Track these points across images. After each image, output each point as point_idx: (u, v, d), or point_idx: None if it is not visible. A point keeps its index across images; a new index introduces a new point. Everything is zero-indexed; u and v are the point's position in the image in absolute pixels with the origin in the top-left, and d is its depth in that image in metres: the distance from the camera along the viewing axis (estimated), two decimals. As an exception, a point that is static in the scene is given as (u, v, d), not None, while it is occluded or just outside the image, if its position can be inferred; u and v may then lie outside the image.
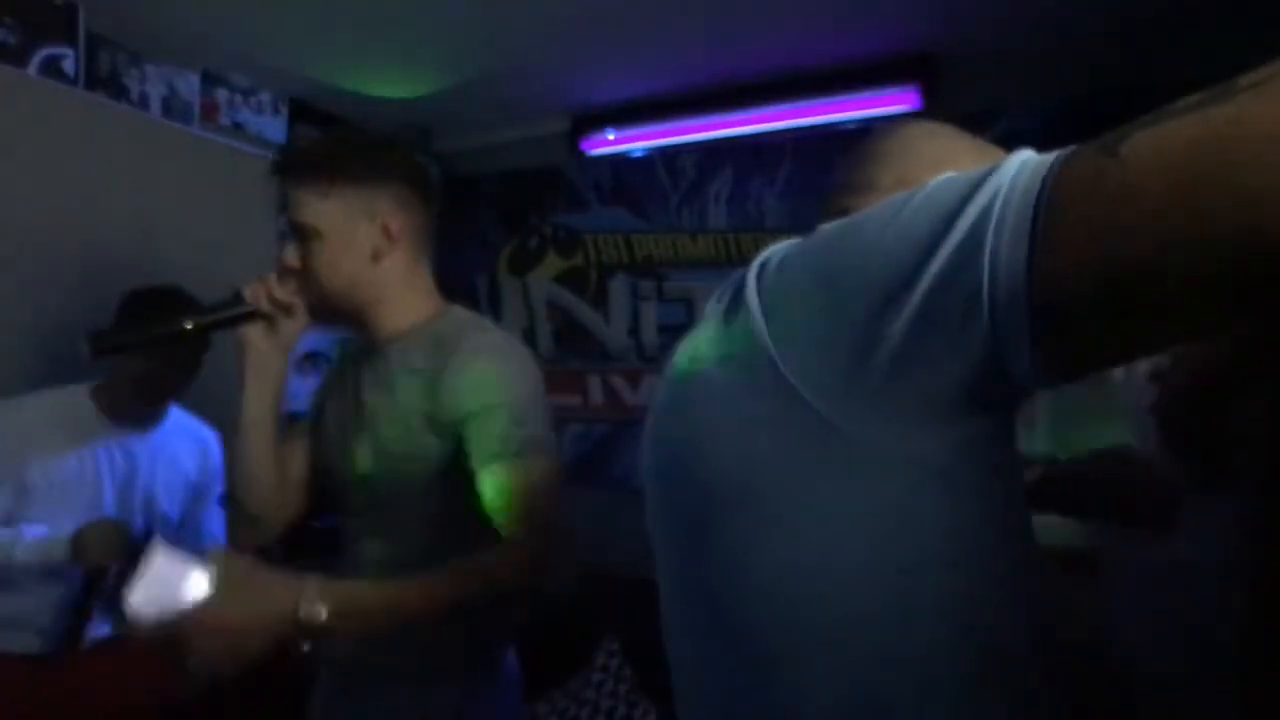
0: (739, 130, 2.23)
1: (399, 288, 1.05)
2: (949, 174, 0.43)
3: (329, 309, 1.04)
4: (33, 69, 1.76)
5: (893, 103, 2.00)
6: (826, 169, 2.18)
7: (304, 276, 1.01)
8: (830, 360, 0.44)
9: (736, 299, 0.52)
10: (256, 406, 1.05)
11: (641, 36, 1.91)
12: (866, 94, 2.02)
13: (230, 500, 1.07)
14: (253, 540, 1.08)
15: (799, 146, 2.20)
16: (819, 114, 2.11)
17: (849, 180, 0.67)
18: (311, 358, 2.40)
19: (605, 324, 2.51)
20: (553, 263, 2.59)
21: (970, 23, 1.80)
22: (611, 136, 2.38)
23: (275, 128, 2.34)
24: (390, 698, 1.02)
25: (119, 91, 1.96)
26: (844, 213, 0.65)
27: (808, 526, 0.47)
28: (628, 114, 2.33)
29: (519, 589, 0.92)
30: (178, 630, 0.74)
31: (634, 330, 2.46)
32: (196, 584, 0.76)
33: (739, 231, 2.30)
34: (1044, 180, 0.37)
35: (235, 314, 1.01)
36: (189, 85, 2.12)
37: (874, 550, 0.46)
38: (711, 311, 0.56)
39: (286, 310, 1.03)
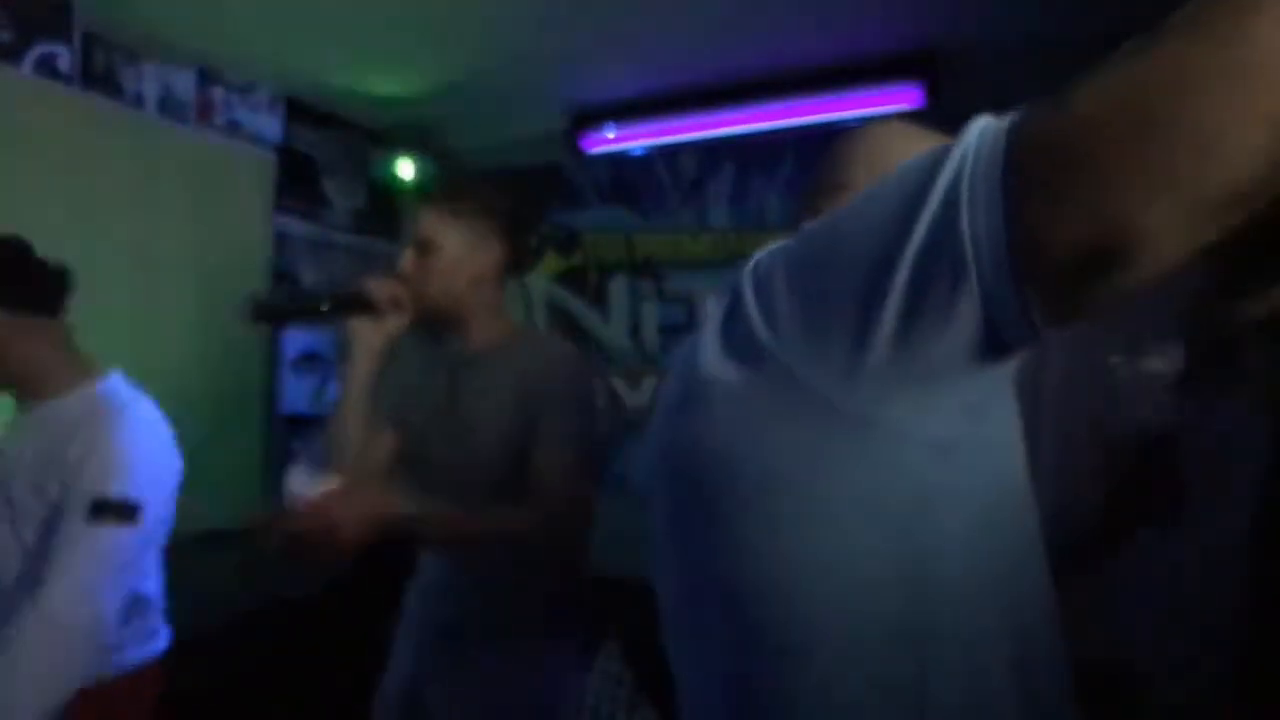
0: (740, 128, 2.21)
1: (490, 308, 1.29)
2: (915, 154, 0.44)
3: (431, 314, 1.25)
4: (27, 67, 1.75)
5: (895, 101, 1.98)
6: (828, 167, 2.17)
7: (417, 283, 1.22)
8: (829, 348, 0.45)
9: (735, 300, 0.53)
10: (359, 384, 1.23)
11: (641, 34, 1.89)
12: (869, 92, 2.01)
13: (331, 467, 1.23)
14: None
15: (801, 144, 2.18)
16: (821, 112, 2.09)
17: (825, 182, 0.69)
18: (309, 359, 2.39)
19: (605, 324, 2.49)
20: (552, 262, 2.58)
21: (973, 21, 1.79)
22: (611, 134, 2.36)
23: (271, 126, 2.33)
24: (477, 659, 1.25)
25: (114, 90, 1.94)
26: (821, 214, 0.66)
27: (822, 518, 0.47)
28: (627, 112, 2.31)
29: (541, 537, 1.17)
30: (330, 498, 1.01)
31: (634, 330, 2.44)
32: (326, 484, 1.05)
33: (740, 230, 2.28)
34: (1006, 143, 0.37)
35: (361, 302, 1.21)
36: (185, 84, 2.10)
37: (890, 535, 0.46)
38: (713, 313, 0.56)
39: (397, 308, 1.22)
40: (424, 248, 1.22)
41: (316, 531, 0.98)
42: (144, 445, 1.25)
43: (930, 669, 0.46)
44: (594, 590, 2.13)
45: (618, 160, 2.45)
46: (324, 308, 1.23)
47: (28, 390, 1.27)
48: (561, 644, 1.30)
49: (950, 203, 0.39)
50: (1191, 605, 0.99)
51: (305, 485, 1.04)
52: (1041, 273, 0.37)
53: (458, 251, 1.22)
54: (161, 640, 1.37)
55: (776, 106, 2.13)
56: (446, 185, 1.32)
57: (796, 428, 0.47)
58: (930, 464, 0.45)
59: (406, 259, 1.23)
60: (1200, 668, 0.97)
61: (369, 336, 1.22)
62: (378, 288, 1.21)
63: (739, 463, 0.50)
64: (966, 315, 0.39)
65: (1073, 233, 0.36)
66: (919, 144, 0.65)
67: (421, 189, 1.34)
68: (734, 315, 0.52)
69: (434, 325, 1.28)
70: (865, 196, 0.45)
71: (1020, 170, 0.37)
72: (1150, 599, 1.05)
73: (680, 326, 2.36)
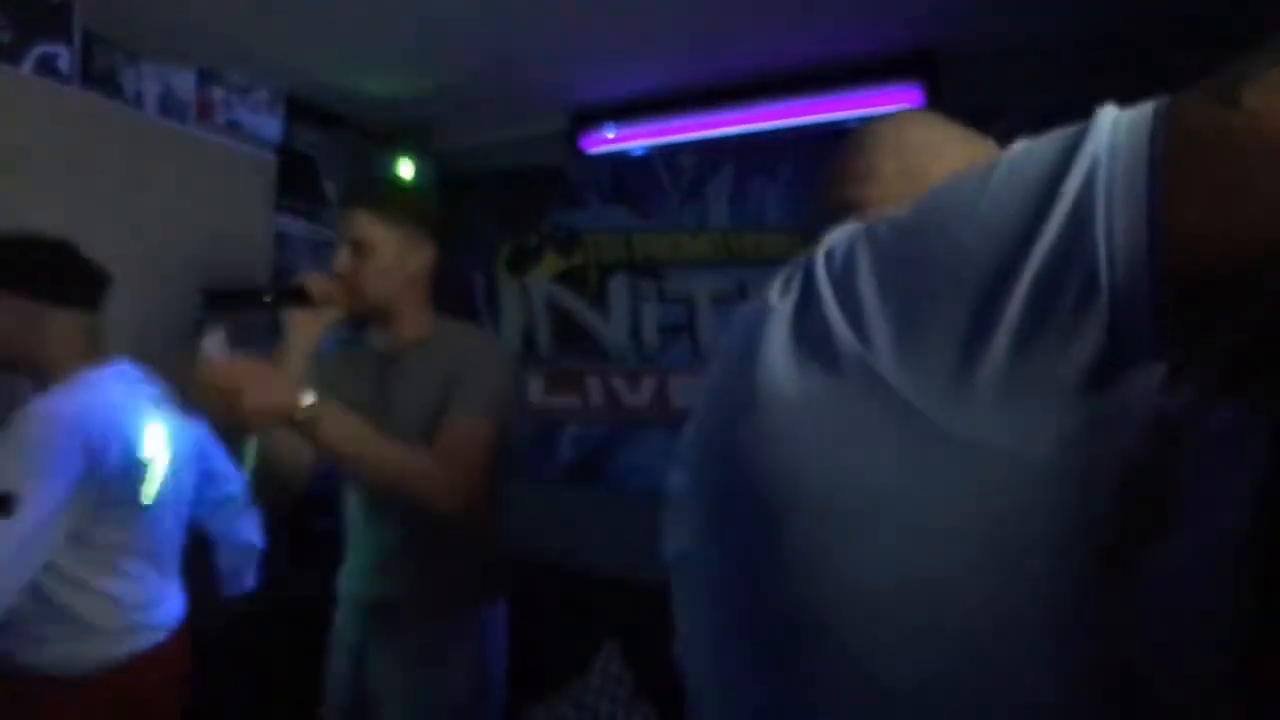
0: (740, 128, 2.21)
1: (420, 304, 1.37)
2: (1024, 143, 0.40)
3: (364, 309, 1.33)
4: (27, 67, 1.75)
5: (894, 101, 1.98)
6: (828, 167, 2.16)
7: (352, 282, 1.29)
8: (931, 359, 0.41)
9: (808, 292, 0.48)
10: (294, 369, 1.26)
11: (641, 33, 1.89)
12: (868, 92, 2.00)
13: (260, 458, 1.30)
14: (276, 496, 1.33)
15: (800, 144, 2.18)
16: (820, 112, 2.09)
17: (848, 170, 0.66)
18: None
19: (605, 324, 2.49)
20: (552, 262, 2.57)
21: (972, 21, 1.79)
22: (611, 135, 2.36)
23: (271, 126, 2.33)
24: (406, 625, 1.33)
25: (114, 90, 1.94)
26: (845, 204, 0.64)
27: (902, 532, 0.43)
28: (627, 112, 2.31)
29: (432, 492, 1.16)
30: (238, 369, 1.02)
31: (634, 330, 2.44)
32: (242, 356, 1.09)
33: (740, 230, 2.28)
34: (1151, 141, 0.34)
35: (297, 296, 1.29)
36: (184, 83, 2.10)
37: (978, 554, 0.42)
38: (777, 304, 0.51)
39: (333, 302, 1.29)
40: (358, 249, 1.29)
41: (220, 392, 1.00)
42: (41, 433, 1.23)
43: (1010, 695, 0.44)
44: (592, 590, 2.13)
45: (618, 160, 2.45)
46: (267, 299, 1.30)
47: (40, 379, 1.34)
48: (484, 616, 1.39)
49: (1082, 205, 0.35)
50: (1191, 606, 0.99)
51: (219, 351, 1.09)
52: (1184, 286, 0.33)
53: (391, 254, 1.30)
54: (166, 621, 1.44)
55: (776, 106, 2.13)
56: (377, 190, 1.39)
57: (888, 442, 0.43)
58: (1024, 484, 0.42)
59: (342, 259, 1.30)
60: (1201, 669, 0.97)
61: (305, 326, 1.28)
62: (315, 283, 1.29)
63: (806, 470, 0.46)
64: (1090, 327, 0.36)
65: (1233, 242, 0.32)
66: (946, 134, 0.65)
67: (352, 192, 1.47)
68: (807, 314, 0.48)
69: (363, 322, 1.37)
70: (975, 187, 0.41)
71: (1172, 171, 0.33)
72: (1149, 600, 1.05)
73: (680, 326, 2.36)
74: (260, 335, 1.65)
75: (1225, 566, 0.93)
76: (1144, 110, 0.36)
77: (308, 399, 1.06)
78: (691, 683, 0.61)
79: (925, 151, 0.63)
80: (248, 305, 1.37)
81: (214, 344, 1.09)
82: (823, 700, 0.49)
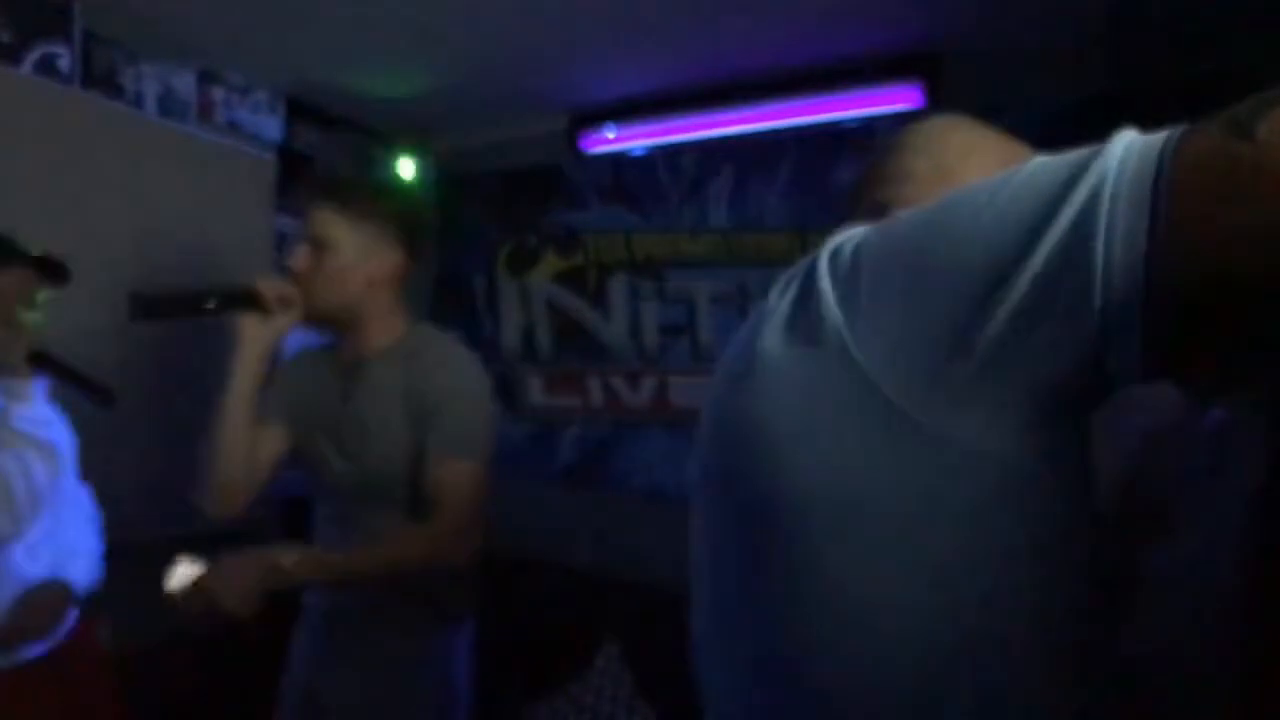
0: (740, 128, 2.21)
1: (384, 312, 1.27)
2: (1042, 158, 0.41)
3: (321, 314, 1.24)
4: (27, 68, 1.75)
5: (895, 101, 1.98)
6: (828, 167, 2.16)
7: (309, 282, 1.21)
8: (918, 353, 0.42)
9: (808, 288, 0.49)
10: (241, 385, 1.21)
11: (641, 33, 1.89)
12: (869, 92, 2.00)
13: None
14: (218, 509, 1.24)
15: (801, 145, 2.18)
16: (821, 112, 2.09)
17: (882, 171, 0.67)
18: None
19: (605, 324, 2.49)
20: (552, 262, 2.57)
21: (973, 21, 1.79)
22: (611, 135, 2.36)
23: (272, 126, 2.33)
24: (370, 640, 1.26)
25: (115, 90, 1.94)
26: (878, 204, 0.64)
27: (884, 529, 0.45)
28: (627, 112, 2.31)
29: (437, 560, 1.17)
30: (205, 578, 1.04)
31: (634, 330, 2.44)
32: (199, 567, 1.07)
33: (740, 230, 2.28)
34: (1159, 165, 0.34)
35: (245, 299, 1.19)
36: (185, 84, 2.11)
37: (954, 554, 0.44)
38: (776, 302, 0.53)
39: (286, 306, 1.21)
40: (316, 247, 1.20)
41: (200, 610, 1.03)
42: None
43: (980, 699, 0.45)
44: (592, 590, 2.13)
45: (618, 160, 2.45)
46: (210, 305, 1.18)
47: None
48: (450, 637, 1.30)
49: (1084, 219, 0.36)
50: (1190, 607, 0.99)
51: (183, 575, 1.07)
52: (1177, 304, 0.34)
53: (352, 254, 1.20)
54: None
55: (776, 106, 2.13)
56: (340, 185, 1.28)
57: (862, 432, 0.44)
58: (998, 488, 0.42)
59: (300, 257, 1.21)
60: (1202, 668, 0.97)
61: (256, 334, 1.20)
62: (268, 286, 1.20)
63: (799, 464, 0.48)
64: (1078, 342, 0.37)
65: (1231, 265, 0.33)
66: (981, 137, 0.65)
67: (313, 188, 1.31)
68: (804, 307, 0.49)
69: (329, 328, 1.28)
70: (986, 195, 0.41)
71: (1177, 192, 0.34)
72: (1151, 600, 1.05)
73: (680, 326, 2.36)
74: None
75: (1225, 567, 0.93)
76: (1158, 135, 0.36)
77: (287, 559, 1.07)
78: (701, 679, 0.61)
79: (959, 153, 0.63)
80: (187, 312, 1.20)
81: (183, 575, 1.07)
82: (820, 697, 0.49)
